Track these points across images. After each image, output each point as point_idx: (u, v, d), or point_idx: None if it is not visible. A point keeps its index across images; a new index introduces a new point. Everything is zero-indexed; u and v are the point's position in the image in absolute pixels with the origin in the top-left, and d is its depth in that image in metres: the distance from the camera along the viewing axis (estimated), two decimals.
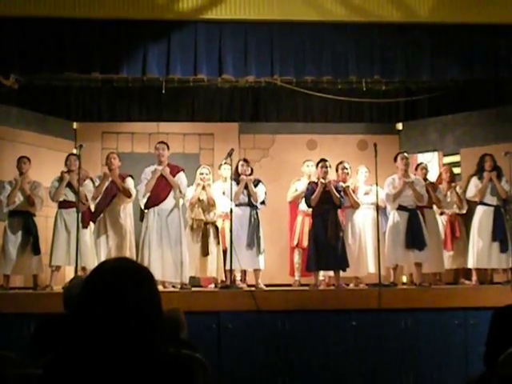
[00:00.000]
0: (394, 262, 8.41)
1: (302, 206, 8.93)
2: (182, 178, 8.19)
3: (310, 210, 8.41)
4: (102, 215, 8.51)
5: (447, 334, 7.20)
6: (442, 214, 9.01)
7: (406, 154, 8.61)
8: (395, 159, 8.54)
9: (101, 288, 1.88)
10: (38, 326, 3.97)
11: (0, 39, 8.07)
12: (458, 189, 9.06)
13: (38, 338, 3.82)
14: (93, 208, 8.59)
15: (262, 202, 8.46)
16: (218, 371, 6.77)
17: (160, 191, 8.04)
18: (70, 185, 8.29)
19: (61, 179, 8.35)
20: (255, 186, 8.35)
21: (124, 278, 1.90)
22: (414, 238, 8.13)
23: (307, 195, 8.32)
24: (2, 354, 3.51)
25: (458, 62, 8.42)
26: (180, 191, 8.13)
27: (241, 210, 8.24)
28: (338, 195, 8.16)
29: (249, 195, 8.29)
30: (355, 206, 8.71)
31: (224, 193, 8.56)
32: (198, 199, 8.61)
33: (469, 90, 10.39)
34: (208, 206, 8.47)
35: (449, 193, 9.03)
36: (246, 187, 8.30)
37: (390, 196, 8.39)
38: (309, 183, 8.47)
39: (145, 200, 8.14)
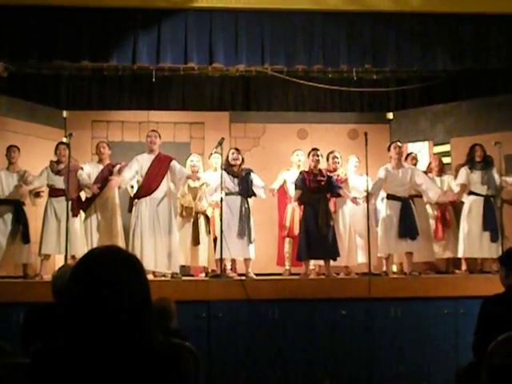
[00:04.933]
0: (386, 252, 8.42)
1: (292, 194, 8.97)
2: (178, 167, 8.19)
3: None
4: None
5: (437, 322, 7.22)
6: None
7: (399, 143, 8.62)
8: (388, 148, 8.54)
9: (89, 276, 1.88)
10: (27, 314, 3.96)
11: None
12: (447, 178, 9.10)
13: (28, 327, 3.81)
14: (83, 197, 8.60)
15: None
16: (208, 360, 6.79)
17: (151, 181, 8.02)
18: (59, 173, 8.27)
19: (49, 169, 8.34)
20: (247, 176, 8.33)
21: (113, 265, 1.90)
22: (407, 227, 8.13)
23: (297, 183, 8.33)
24: None
25: (448, 52, 8.43)
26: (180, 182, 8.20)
27: (231, 199, 8.22)
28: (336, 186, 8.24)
29: (239, 184, 8.27)
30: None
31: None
32: (189, 187, 8.63)
33: (459, 80, 10.44)
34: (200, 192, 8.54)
35: (439, 182, 9.05)
36: (237, 176, 8.30)
37: (375, 185, 8.41)
38: (300, 172, 8.45)
39: (130, 183, 8.17)
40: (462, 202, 8.74)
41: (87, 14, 8.08)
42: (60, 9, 8.02)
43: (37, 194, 8.49)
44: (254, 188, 8.32)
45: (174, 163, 8.14)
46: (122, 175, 8.11)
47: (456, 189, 8.73)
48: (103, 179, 8.52)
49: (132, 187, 8.55)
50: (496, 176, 8.50)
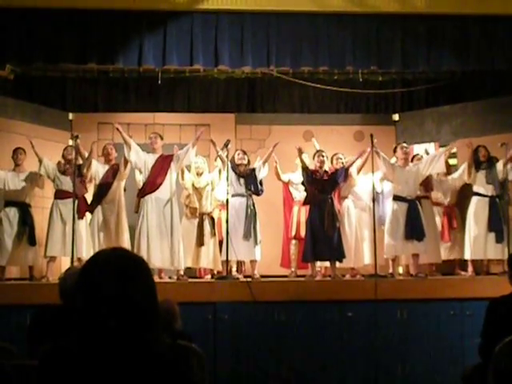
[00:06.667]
0: (393, 253, 8.40)
1: (297, 195, 8.97)
2: (179, 151, 8.24)
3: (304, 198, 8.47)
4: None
5: (443, 324, 7.20)
6: (437, 204, 9.02)
7: (405, 144, 8.64)
8: (394, 150, 8.57)
9: (96, 278, 1.88)
10: (34, 316, 3.96)
11: None
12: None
13: (34, 329, 3.81)
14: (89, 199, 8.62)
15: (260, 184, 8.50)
16: (214, 362, 6.79)
17: (156, 176, 8.06)
18: (65, 172, 8.31)
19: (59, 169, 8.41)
20: (253, 174, 8.35)
21: (120, 268, 1.90)
22: (413, 228, 8.12)
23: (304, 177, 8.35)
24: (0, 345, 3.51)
25: (454, 53, 8.39)
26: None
27: (237, 201, 8.23)
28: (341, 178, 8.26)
29: (245, 185, 8.29)
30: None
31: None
32: (194, 187, 8.65)
33: (465, 81, 10.42)
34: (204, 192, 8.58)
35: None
36: (243, 176, 8.32)
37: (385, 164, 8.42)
38: (308, 169, 8.42)
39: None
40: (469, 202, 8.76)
41: (93, 16, 8.07)
42: (66, 11, 8.02)
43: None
44: (257, 171, 8.39)
45: (175, 154, 8.20)
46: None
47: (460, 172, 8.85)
48: (108, 180, 8.55)
49: (140, 171, 8.46)
50: (501, 169, 8.49)
